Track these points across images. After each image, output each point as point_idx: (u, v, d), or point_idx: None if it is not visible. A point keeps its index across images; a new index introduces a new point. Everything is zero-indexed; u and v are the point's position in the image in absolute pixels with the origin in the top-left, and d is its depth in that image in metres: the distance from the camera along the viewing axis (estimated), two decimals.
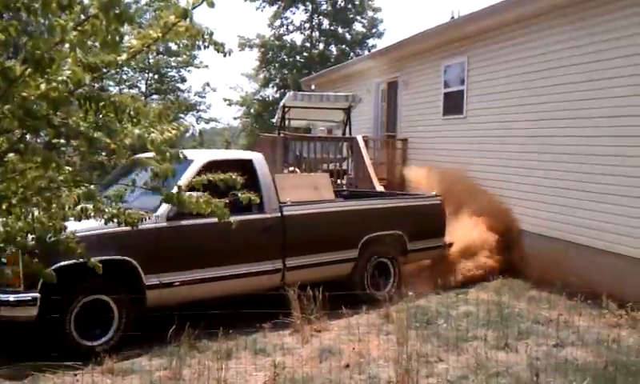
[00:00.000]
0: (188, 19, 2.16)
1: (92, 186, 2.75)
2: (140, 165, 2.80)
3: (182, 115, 29.47)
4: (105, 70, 2.20)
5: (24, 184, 2.53)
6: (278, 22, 32.61)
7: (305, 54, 32.42)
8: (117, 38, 2.04)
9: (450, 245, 8.13)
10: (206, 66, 40.29)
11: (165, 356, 5.18)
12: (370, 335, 5.65)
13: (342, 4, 32.18)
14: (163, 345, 5.34)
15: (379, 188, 10.58)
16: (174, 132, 2.41)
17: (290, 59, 32.40)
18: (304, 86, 19.45)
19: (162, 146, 2.34)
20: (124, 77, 28.39)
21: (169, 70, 30.64)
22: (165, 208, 5.67)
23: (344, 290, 6.36)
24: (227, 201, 3.08)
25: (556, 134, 8.20)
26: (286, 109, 13.31)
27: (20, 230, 2.65)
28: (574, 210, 7.86)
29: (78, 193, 2.69)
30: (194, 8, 2.15)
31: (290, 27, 32.88)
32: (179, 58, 29.63)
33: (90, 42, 2.09)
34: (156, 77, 30.12)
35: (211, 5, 2.12)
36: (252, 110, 34.01)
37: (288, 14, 32.54)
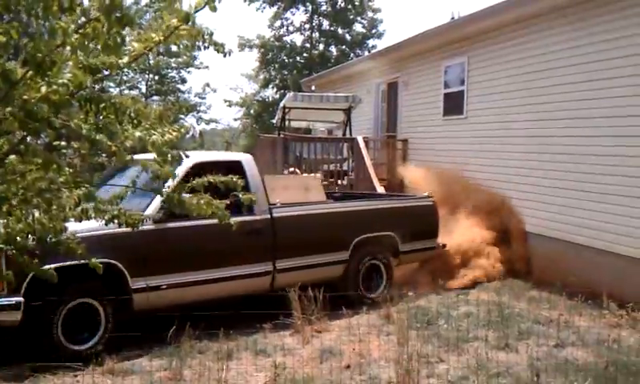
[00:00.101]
0: (190, 22, 2.15)
1: (92, 187, 2.75)
2: (142, 167, 2.80)
3: (182, 116, 29.45)
4: (106, 73, 2.20)
5: (24, 185, 2.53)
6: (278, 23, 32.60)
7: (305, 54, 32.39)
8: (118, 41, 2.04)
9: (444, 246, 8.06)
10: (207, 67, 40.27)
11: (165, 357, 5.19)
12: (371, 336, 5.65)
13: (342, 5, 32.13)
14: (164, 345, 5.35)
15: (380, 189, 10.56)
16: (174, 133, 2.41)
17: (290, 60, 32.37)
18: (304, 87, 19.44)
19: (163, 147, 2.34)
20: (124, 78, 28.42)
21: (169, 70, 30.66)
22: (152, 210, 5.57)
23: (336, 292, 6.33)
24: (228, 202, 3.07)
25: (556, 134, 8.21)
26: (286, 110, 13.27)
27: (20, 231, 2.66)
28: (573, 209, 7.87)
29: (79, 194, 2.70)
30: (196, 12, 2.13)
31: (290, 28, 32.88)
32: (179, 59, 29.61)
33: (91, 45, 2.09)
34: (156, 78, 30.12)
35: (213, 9, 2.11)
36: (252, 111, 33.96)
37: (288, 14, 32.56)
